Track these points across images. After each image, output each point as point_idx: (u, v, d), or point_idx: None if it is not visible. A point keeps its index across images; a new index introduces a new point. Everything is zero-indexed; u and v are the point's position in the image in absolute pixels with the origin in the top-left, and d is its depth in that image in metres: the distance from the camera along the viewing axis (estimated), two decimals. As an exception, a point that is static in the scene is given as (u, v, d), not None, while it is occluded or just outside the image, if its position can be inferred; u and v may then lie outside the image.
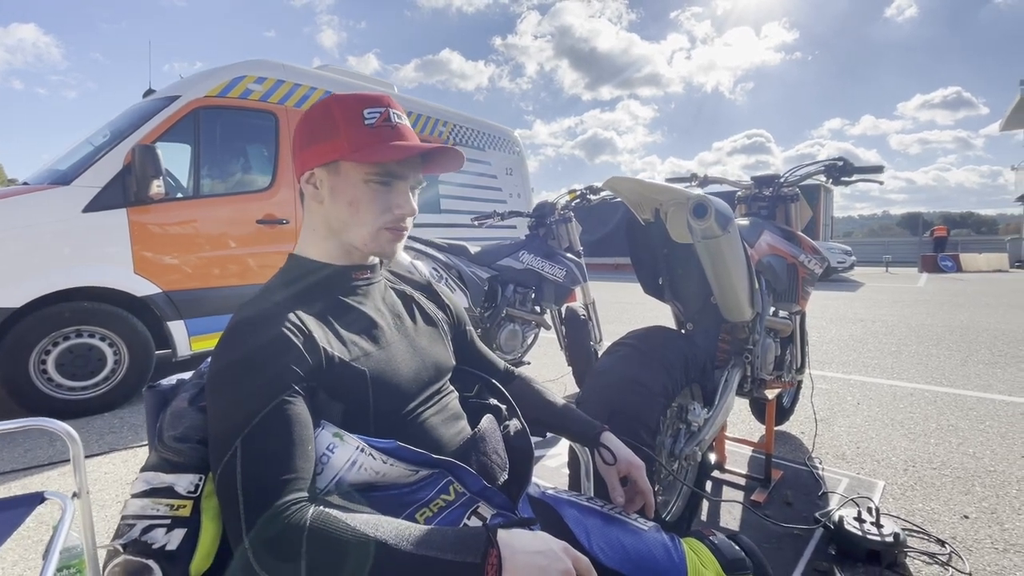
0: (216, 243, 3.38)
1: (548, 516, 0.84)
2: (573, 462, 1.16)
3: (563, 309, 3.10)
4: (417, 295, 0.90)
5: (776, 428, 2.61)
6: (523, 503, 0.83)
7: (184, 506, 0.59)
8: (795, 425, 2.66)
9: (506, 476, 0.80)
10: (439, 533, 0.55)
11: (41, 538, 1.70)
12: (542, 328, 3.05)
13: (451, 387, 0.87)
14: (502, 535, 0.55)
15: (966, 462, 2.18)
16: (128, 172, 2.97)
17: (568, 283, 2.83)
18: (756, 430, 2.59)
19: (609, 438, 0.91)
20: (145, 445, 2.48)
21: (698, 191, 1.35)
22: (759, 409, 2.49)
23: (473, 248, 2.81)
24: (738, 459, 2.24)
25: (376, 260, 0.83)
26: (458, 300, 0.99)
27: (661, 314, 6.74)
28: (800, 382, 2.64)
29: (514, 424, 0.88)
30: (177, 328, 3.21)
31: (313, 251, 0.78)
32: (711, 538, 0.85)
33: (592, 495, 0.94)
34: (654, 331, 1.37)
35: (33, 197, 2.84)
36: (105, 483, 2.09)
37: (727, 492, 1.96)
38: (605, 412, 1.14)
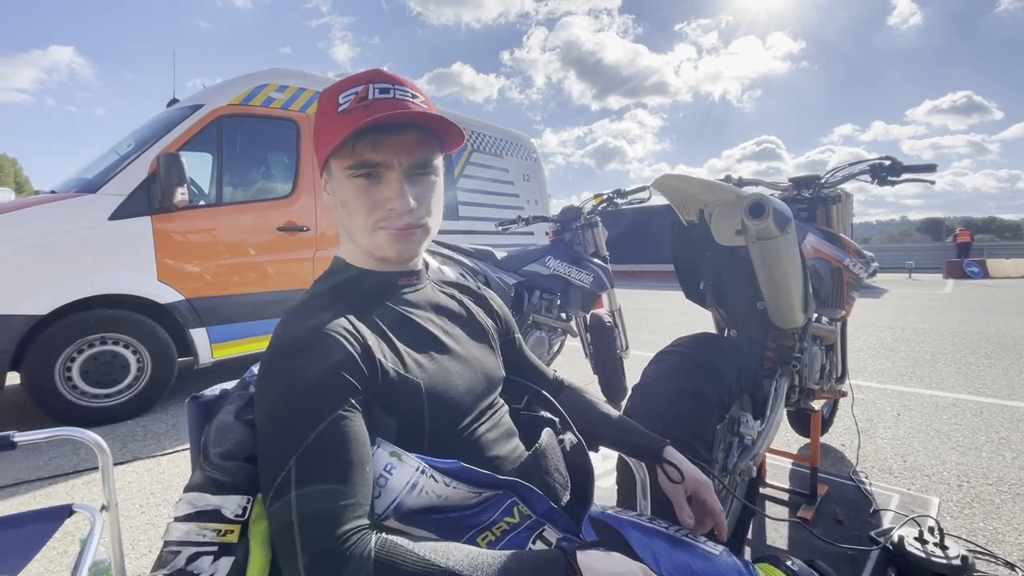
0: (238, 250, 3.38)
1: (611, 539, 0.77)
2: (624, 479, 1.09)
3: (588, 316, 3.03)
4: (465, 300, 0.85)
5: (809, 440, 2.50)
6: (585, 525, 0.76)
7: (231, 531, 0.54)
8: (833, 436, 2.54)
9: (568, 496, 0.74)
10: (515, 559, 0.51)
11: (65, 549, 1.67)
12: (568, 335, 2.98)
13: (501, 400, 0.81)
14: (581, 557, 0.52)
15: (1024, 477, 2.05)
16: (153, 180, 2.98)
17: (595, 289, 2.76)
18: (792, 441, 2.49)
19: (673, 453, 0.84)
20: (169, 453, 2.46)
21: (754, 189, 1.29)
22: (799, 420, 2.39)
23: (499, 253, 2.76)
24: (778, 472, 2.14)
25: (420, 265, 0.78)
26: (504, 305, 0.93)
27: (682, 320, 6.61)
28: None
29: (569, 438, 0.81)
30: (199, 335, 3.21)
31: (352, 256, 0.73)
32: (787, 563, 0.78)
33: (649, 515, 0.88)
34: (703, 338, 1.30)
35: (60, 205, 2.86)
36: (129, 493, 2.06)
37: (770, 508, 1.86)
38: (656, 425, 1.07)
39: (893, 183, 1.85)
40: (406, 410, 0.64)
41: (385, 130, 0.63)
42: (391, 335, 0.67)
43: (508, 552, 0.52)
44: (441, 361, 0.70)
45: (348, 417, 0.55)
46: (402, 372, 0.64)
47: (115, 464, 2.30)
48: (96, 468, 2.26)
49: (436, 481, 0.59)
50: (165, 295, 3.07)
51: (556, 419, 0.86)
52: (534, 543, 0.64)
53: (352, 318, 0.63)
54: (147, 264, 3.01)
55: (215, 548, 0.53)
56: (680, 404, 1.09)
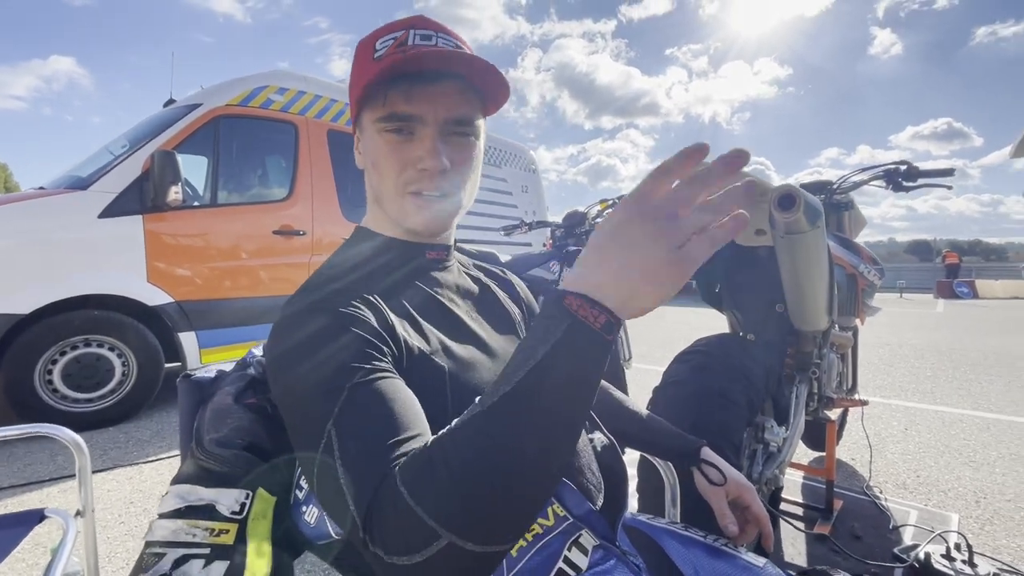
0: (231, 253, 3.28)
1: (647, 548, 0.69)
2: (648, 484, 1.01)
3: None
4: (492, 285, 0.78)
5: (821, 453, 2.44)
6: (619, 533, 0.69)
7: (227, 531, 0.46)
8: (842, 450, 2.47)
9: (602, 500, 0.66)
10: (518, 350, 0.39)
11: (36, 561, 1.55)
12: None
13: None
14: (567, 279, 0.39)
15: (1042, 494, 1.99)
16: (146, 178, 2.90)
17: (600, 296, 2.69)
18: (800, 454, 2.41)
19: (710, 454, 0.77)
20: (152, 461, 2.34)
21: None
22: (810, 432, 2.32)
23: (503, 257, 2.69)
24: (789, 486, 2.07)
25: (449, 241, 0.72)
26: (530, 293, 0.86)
27: (672, 332, 6.56)
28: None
29: (599, 438, 0.74)
30: (188, 340, 3.09)
31: (378, 224, 0.65)
32: None
33: (678, 522, 0.80)
34: (727, 338, 1.24)
35: (48, 201, 2.77)
36: (108, 502, 1.94)
37: (785, 523, 1.78)
38: (683, 427, 0.99)
39: (908, 189, 1.82)
40: (428, 397, 0.56)
41: (422, 79, 0.54)
42: (415, 314, 0.60)
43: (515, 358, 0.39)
44: (467, 348, 0.63)
45: (385, 377, 0.46)
46: (425, 353, 0.57)
47: (95, 471, 2.18)
48: (75, 476, 2.14)
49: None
50: (154, 297, 2.96)
51: (583, 417, 0.79)
52: (569, 550, 0.57)
53: (373, 293, 0.56)
54: (136, 264, 2.90)
55: (207, 550, 0.45)
56: (708, 405, 1.02)
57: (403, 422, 0.43)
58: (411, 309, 0.59)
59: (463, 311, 0.67)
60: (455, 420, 0.39)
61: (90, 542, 1.09)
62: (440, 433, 0.39)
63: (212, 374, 0.59)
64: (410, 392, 0.47)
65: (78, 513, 1.06)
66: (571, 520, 0.57)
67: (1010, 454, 2.42)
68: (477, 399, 0.39)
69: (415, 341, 0.55)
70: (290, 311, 0.53)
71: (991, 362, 4.76)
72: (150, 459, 2.37)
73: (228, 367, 0.61)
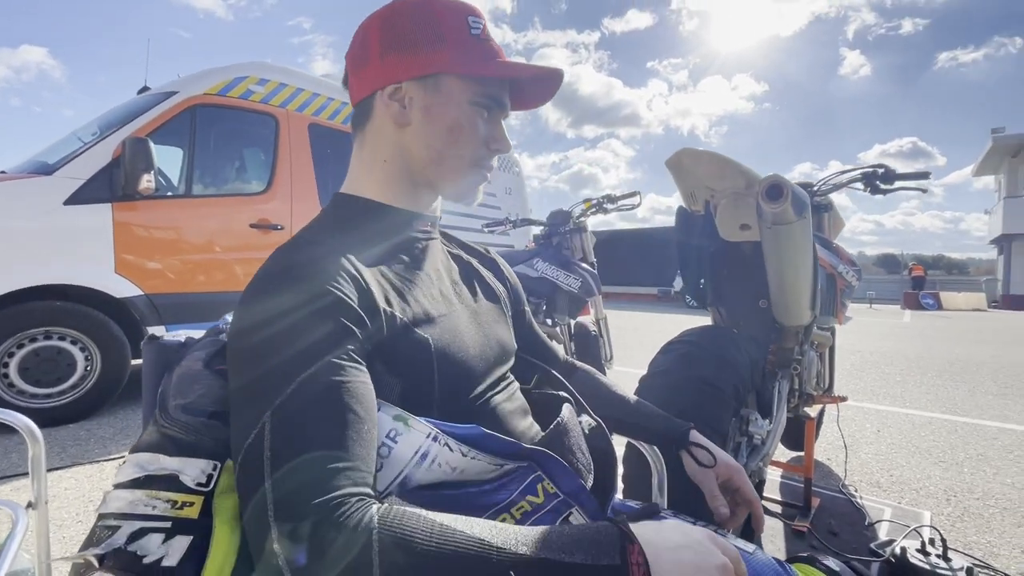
0: (206, 246, 3.18)
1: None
2: (634, 472, 0.99)
3: (572, 324, 2.95)
4: (474, 262, 0.75)
5: (798, 452, 2.46)
6: (608, 516, 0.67)
7: (191, 504, 0.42)
8: (818, 451, 2.50)
9: (592, 481, 0.64)
10: (556, 532, 0.41)
11: (-16, 563, 1.45)
12: (554, 342, 2.90)
13: (512, 376, 0.72)
14: (637, 529, 0.42)
15: (1008, 492, 2.05)
16: (116, 165, 2.79)
17: (583, 294, 2.69)
18: (778, 454, 2.44)
19: (699, 436, 0.76)
20: (115, 458, 2.23)
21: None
22: (789, 432, 2.35)
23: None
24: (768, 484, 2.08)
25: (437, 213, 0.69)
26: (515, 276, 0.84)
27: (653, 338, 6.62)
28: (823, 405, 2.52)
29: (587, 420, 0.72)
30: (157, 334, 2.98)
31: (371, 188, 0.63)
32: (825, 563, 0.72)
33: (666, 508, 0.79)
34: (714, 330, 1.23)
35: (9, 186, 2.64)
36: (65, 499, 1.84)
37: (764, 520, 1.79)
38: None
39: (886, 192, 1.86)
40: (413, 370, 0.53)
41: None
42: (398, 283, 0.57)
43: (544, 527, 0.42)
44: (452, 319, 0.61)
45: (345, 366, 0.44)
46: (409, 324, 0.54)
47: (52, 469, 2.07)
48: (27, 472, 2.01)
49: (451, 450, 0.49)
50: (122, 289, 2.84)
51: (570, 399, 0.76)
52: (559, 530, 0.54)
53: (353, 258, 0.53)
54: (104, 254, 2.78)
55: (168, 524, 0.41)
56: (695, 394, 1.01)
57: (348, 444, 0.41)
58: (393, 279, 0.57)
59: (447, 283, 0.65)
60: (451, 518, 0.39)
61: (42, 537, 1.02)
62: (444, 524, 0.38)
63: (181, 340, 0.55)
64: (367, 394, 0.45)
65: (29, 505, 0.98)
66: (561, 497, 0.54)
67: (977, 455, 2.49)
68: (493, 527, 0.40)
69: (398, 312, 0.53)
70: (259, 275, 0.50)
71: (956, 369, 4.92)
72: (112, 457, 2.26)
73: (198, 335, 0.57)
